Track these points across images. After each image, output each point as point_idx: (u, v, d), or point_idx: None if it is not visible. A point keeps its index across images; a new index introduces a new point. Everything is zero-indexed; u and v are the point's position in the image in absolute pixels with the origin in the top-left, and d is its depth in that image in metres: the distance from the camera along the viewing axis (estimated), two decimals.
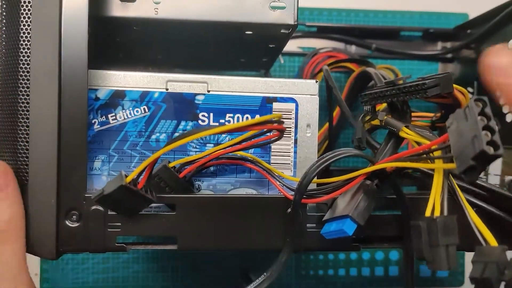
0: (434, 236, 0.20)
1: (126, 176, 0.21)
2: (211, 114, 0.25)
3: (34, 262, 0.41)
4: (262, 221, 0.24)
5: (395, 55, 0.44)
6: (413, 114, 0.37)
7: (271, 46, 0.30)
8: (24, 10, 0.22)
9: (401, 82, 0.27)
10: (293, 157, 0.26)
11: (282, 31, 0.26)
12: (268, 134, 0.24)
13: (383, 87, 0.29)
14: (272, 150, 0.26)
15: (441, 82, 0.25)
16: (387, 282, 0.45)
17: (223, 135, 0.26)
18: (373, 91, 0.30)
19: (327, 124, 0.38)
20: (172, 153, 0.25)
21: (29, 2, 0.22)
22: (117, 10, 0.25)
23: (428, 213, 0.20)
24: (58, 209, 0.23)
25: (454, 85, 0.28)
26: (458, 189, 0.22)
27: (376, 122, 0.28)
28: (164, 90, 0.25)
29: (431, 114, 0.36)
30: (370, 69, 0.32)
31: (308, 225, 0.24)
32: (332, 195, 0.23)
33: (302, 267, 0.45)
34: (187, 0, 0.25)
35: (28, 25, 0.22)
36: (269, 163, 0.26)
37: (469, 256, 0.47)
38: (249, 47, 0.31)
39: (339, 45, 0.44)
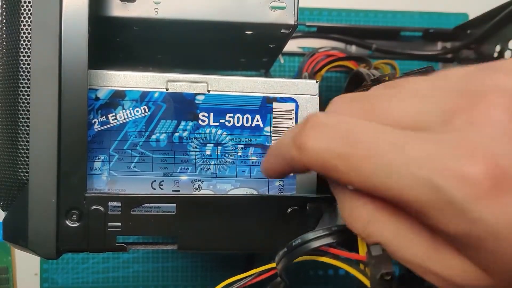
0: None
1: None
2: (211, 114, 0.25)
3: (34, 262, 0.41)
4: (262, 221, 0.24)
5: (395, 55, 0.44)
6: None
7: (271, 46, 0.30)
8: (24, 10, 0.22)
9: (387, 78, 0.28)
10: None
11: (282, 31, 0.26)
12: None
13: (369, 85, 0.29)
14: None
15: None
16: None
17: (223, 135, 0.26)
18: (360, 89, 0.30)
19: None
20: (172, 159, 0.25)
21: (29, 2, 0.22)
22: (117, 10, 0.25)
23: None
24: (58, 208, 0.23)
25: None
26: None
27: None
28: (164, 90, 0.25)
29: None
30: (362, 69, 0.32)
31: None
32: None
33: (302, 267, 0.45)
34: (187, 0, 0.25)
35: (28, 25, 0.22)
36: None
37: None
38: (249, 47, 0.31)
39: (340, 45, 0.44)
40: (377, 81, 0.28)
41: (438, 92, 0.16)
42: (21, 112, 0.22)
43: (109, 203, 0.23)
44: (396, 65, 0.42)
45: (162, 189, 0.25)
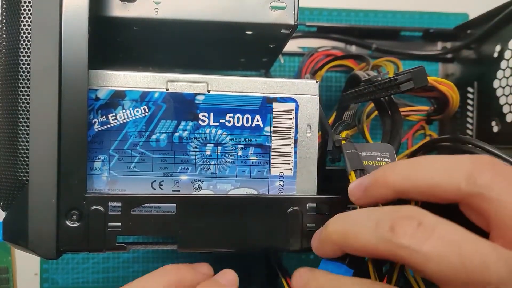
0: None
1: None
2: (211, 114, 0.25)
3: (34, 262, 0.41)
4: (262, 221, 0.24)
5: (395, 55, 0.44)
6: (408, 108, 0.37)
7: (271, 46, 0.30)
8: (24, 10, 0.22)
9: (379, 79, 0.27)
10: (293, 157, 0.26)
11: (282, 31, 0.26)
12: None
13: (361, 86, 0.29)
14: (272, 150, 0.26)
15: (414, 76, 0.25)
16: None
17: (223, 135, 0.26)
18: (353, 90, 0.30)
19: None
20: (172, 159, 0.25)
21: (29, 2, 0.22)
22: (117, 10, 0.25)
23: None
24: (58, 209, 0.23)
25: (439, 79, 0.28)
26: None
27: (353, 130, 0.28)
28: (164, 90, 0.25)
29: (427, 108, 0.36)
30: (358, 72, 0.32)
31: (308, 224, 0.24)
32: None
33: (303, 264, 0.45)
34: (187, 0, 0.25)
35: (28, 25, 0.22)
36: (269, 163, 0.26)
37: None
38: (249, 47, 0.31)
39: (339, 45, 0.44)
40: (369, 81, 0.28)
41: None
42: (21, 112, 0.22)
43: (109, 203, 0.23)
44: (400, 62, 0.41)
45: (162, 189, 0.25)
